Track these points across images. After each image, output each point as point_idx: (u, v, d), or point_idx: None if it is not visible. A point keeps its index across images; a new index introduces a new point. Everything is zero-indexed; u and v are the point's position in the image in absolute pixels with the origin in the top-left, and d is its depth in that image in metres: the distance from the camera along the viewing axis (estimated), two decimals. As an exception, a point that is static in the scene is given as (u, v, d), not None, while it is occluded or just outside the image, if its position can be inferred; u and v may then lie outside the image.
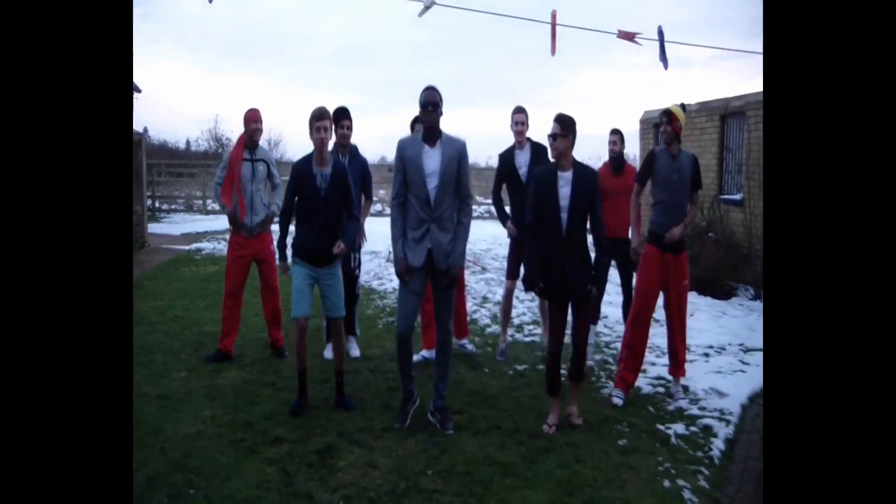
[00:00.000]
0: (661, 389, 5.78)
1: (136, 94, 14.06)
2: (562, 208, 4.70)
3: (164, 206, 22.73)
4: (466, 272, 11.42)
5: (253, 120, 6.15)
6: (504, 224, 6.50)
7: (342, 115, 6.16)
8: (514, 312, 7.85)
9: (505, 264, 8.57)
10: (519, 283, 6.07)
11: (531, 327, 7.69)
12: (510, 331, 7.16)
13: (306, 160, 5.05)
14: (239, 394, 5.35)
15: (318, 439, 4.57)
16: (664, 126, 5.39)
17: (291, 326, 5.22)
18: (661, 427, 4.98)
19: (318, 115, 4.95)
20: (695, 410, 5.32)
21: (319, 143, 4.97)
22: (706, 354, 6.91)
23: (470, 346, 6.77)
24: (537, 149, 6.33)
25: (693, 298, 9.64)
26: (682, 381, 5.71)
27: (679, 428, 4.96)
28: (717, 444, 4.71)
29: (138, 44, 60.99)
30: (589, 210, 4.77)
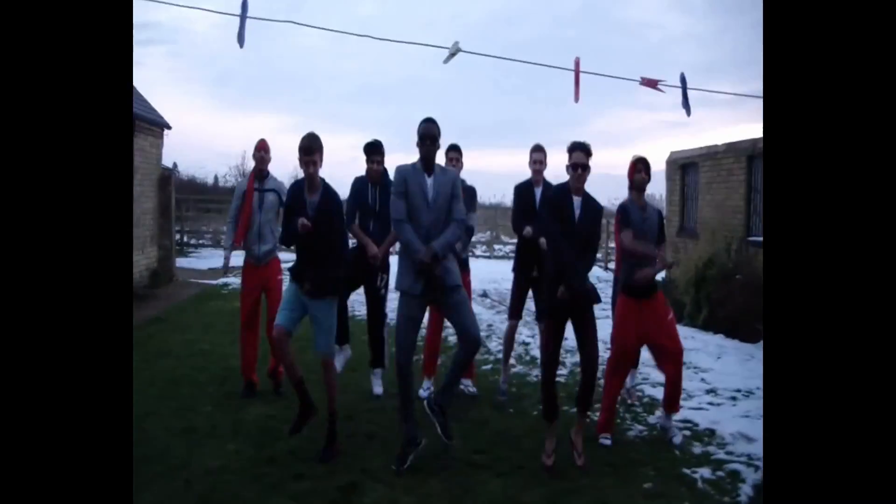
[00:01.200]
0: (687, 433, 5.71)
1: (165, 131, 14.31)
2: (574, 229, 4.84)
3: (192, 241, 22.98)
4: (490, 312, 11.41)
5: (258, 149, 6.31)
6: (522, 231, 6.33)
7: (373, 149, 6.27)
8: (536, 352, 7.81)
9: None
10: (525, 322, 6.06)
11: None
12: (535, 371, 7.12)
13: (299, 184, 5.03)
14: (263, 429, 5.36)
15: (341, 476, 4.56)
16: (642, 174, 5.44)
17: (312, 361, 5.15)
18: (687, 471, 4.91)
19: (305, 150, 4.87)
20: (722, 455, 5.24)
21: (309, 177, 4.94)
22: (734, 398, 6.82)
23: (472, 389, 6.60)
24: (549, 189, 6.37)
25: (720, 341, 9.55)
26: (699, 423, 5.63)
27: (706, 472, 4.88)
28: (746, 490, 4.63)
29: (167, 81, 62.07)
30: (588, 239, 4.90)
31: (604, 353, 6.57)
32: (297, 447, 4.99)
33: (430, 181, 4.84)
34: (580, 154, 4.87)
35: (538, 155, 6.40)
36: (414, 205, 4.80)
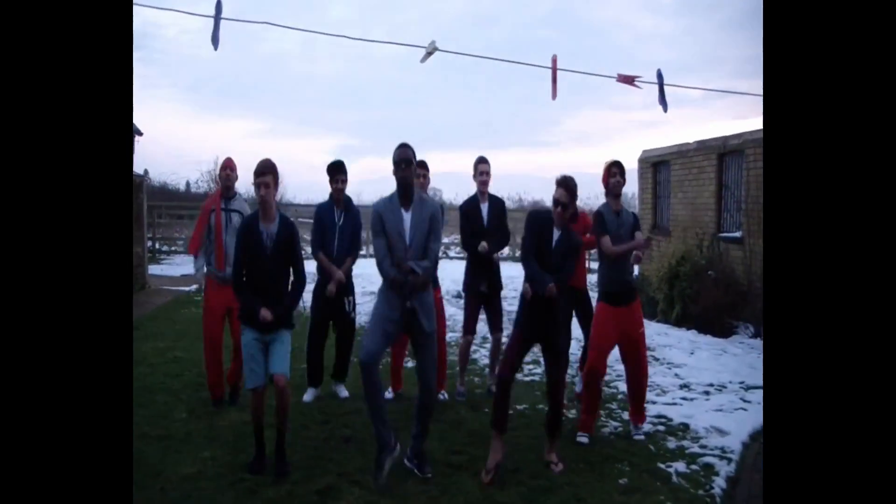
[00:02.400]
0: (661, 428, 5.77)
1: (136, 138, 14.20)
2: (550, 258, 4.83)
3: (164, 248, 22.79)
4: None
5: (224, 167, 6.23)
6: (475, 248, 6.38)
7: (336, 169, 6.29)
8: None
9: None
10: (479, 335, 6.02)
11: (531, 366, 7.68)
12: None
13: (253, 216, 4.81)
14: (239, 435, 5.33)
15: (318, 479, 4.55)
16: (617, 178, 5.50)
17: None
18: (661, 466, 4.96)
19: (259, 172, 4.69)
20: (696, 449, 5.30)
21: (261, 201, 4.72)
22: (706, 393, 6.90)
23: (444, 395, 6.56)
24: (496, 203, 6.49)
25: (693, 337, 9.65)
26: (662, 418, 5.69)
27: (680, 466, 4.94)
28: (719, 483, 4.69)
29: (138, 88, 61.62)
30: (562, 264, 4.85)
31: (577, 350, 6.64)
32: (273, 452, 4.97)
33: (407, 217, 4.69)
34: (561, 191, 4.83)
35: (484, 166, 6.42)
36: (391, 243, 4.68)
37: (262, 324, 4.65)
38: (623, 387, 6.84)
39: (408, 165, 4.67)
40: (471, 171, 6.52)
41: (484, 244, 6.25)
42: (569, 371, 6.37)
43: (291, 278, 4.88)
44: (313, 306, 6.42)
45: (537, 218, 4.97)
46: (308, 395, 6.39)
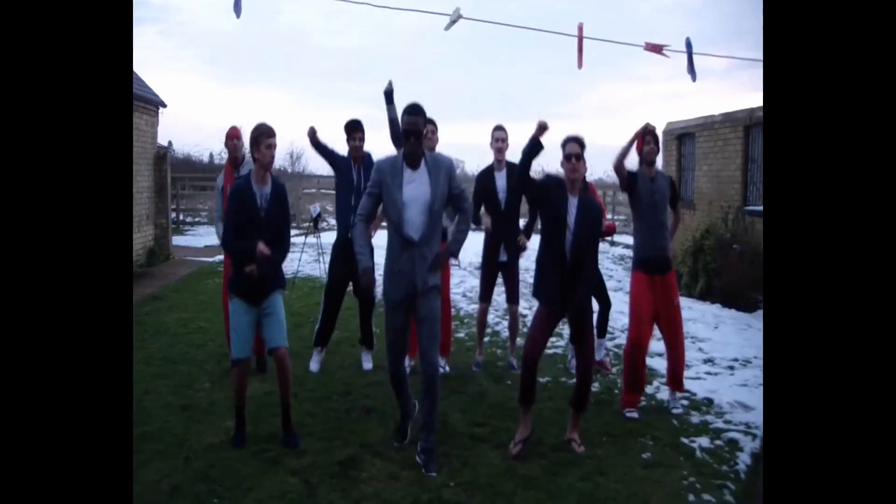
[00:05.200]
0: (685, 402, 5.72)
1: (160, 110, 14.22)
2: (568, 229, 4.56)
3: (188, 219, 22.93)
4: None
5: (230, 137, 6.19)
6: (480, 222, 6.35)
7: (353, 128, 6.25)
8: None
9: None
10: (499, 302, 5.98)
11: (553, 339, 7.64)
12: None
13: (246, 178, 4.69)
14: (261, 405, 5.36)
15: (340, 451, 4.57)
16: (651, 146, 5.39)
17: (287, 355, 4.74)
18: (685, 440, 4.93)
19: (268, 132, 4.60)
20: (720, 424, 5.26)
21: (270, 161, 4.62)
22: (731, 368, 6.84)
23: (445, 368, 6.39)
24: (514, 171, 6.26)
25: (718, 311, 9.56)
26: (680, 394, 5.65)
27: (704, 441, 4.90)
28: (744, 459, 4.65)
29: (159, 60, 61.53)
30: (587, 246, 4.60)
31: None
32: (296, 422, 4.98)
33: (416, 175, 4.29)
34: (573, 145, 4.59)
35: (499, 133, 6.32)
36: (390, 213, 4.29)
37: (253, 292, 4.61)
38: (648, 361, 6.80)
39: (417, 138, 4.27)
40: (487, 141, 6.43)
41: (487, 221, 6.27)
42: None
43: None
44: (332, 264, 6.43)
45: (551, 185, 4.67)
46: (314, 364, 6.37)
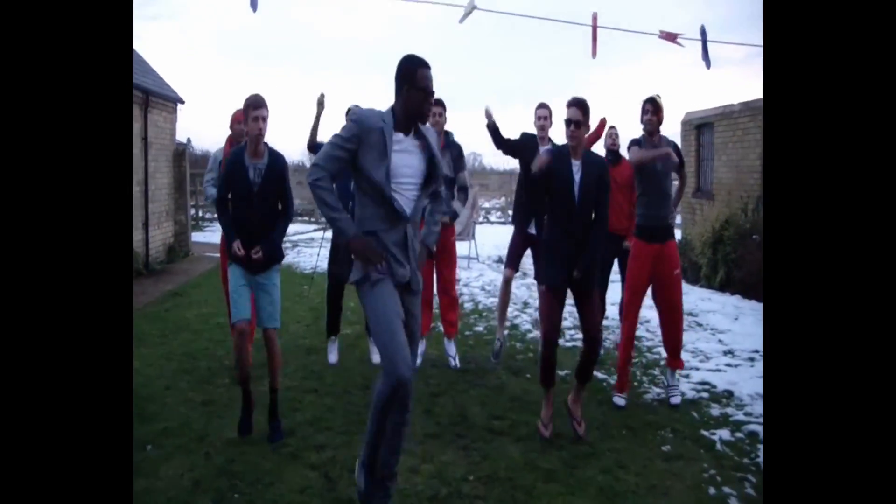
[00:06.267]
0: (704, 395, 5.70)
1: (178, 106, 14.29)
2: (574, 186, 4.59)
3: (208, 216, 23.05)
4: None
5: (236, 121, 6.11)
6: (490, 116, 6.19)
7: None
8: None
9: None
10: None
11: (572, 332, 7.63)
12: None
13: (238, 151, 4.61)
14: (281, 400, 5.36)
15: (360, 445, 4.57)
16: (649, 115, 5.34)
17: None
18: (705, 433, 4.90)
19: (255, 104, 4.50)
20: (740, 416, 5.23)
21: (258, 134, 4.50)
22: (751, 359, 6.80)
23: (454, 362, 6.38)
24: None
25: (737, 302, 9.52)
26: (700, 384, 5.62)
27: (724, 434, 4.88)
28: (764, 451, 4.63)
29: (177, 56, 61.95)
30: (596, 201, 4.63)
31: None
32: (316, 418, 5.03)
33: (409, 143, 3.56)
34: (574, 110, 4.61)
35: (542, 111, 6.23)
36: (373, 178, 3.45)
37: (249, 264, 4.59)
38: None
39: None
40: (508, 130, 6.36)
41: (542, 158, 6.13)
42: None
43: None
44: (331, 253, 6.41)
45: (552, 154, 4.67)
46: (332, 356, 6.40)
